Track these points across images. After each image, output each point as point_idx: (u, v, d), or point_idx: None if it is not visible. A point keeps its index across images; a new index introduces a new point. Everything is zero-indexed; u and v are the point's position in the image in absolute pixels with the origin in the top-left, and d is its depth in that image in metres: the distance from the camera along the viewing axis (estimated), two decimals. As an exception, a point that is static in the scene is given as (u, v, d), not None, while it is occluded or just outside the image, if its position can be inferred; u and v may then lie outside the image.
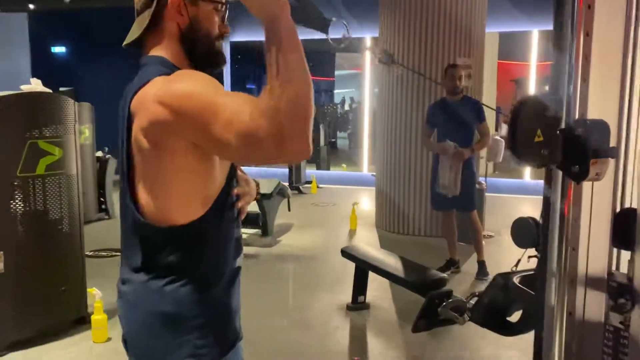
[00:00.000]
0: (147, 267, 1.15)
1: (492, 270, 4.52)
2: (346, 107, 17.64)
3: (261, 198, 5.49)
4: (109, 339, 3.28)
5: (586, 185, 1.51)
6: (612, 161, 1.43)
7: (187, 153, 1.08)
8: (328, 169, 11.03)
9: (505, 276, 2.41)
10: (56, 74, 10.37)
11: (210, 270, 1.17)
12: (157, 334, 1.14)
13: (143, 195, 1.13)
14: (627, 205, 1.59)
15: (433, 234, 5.85)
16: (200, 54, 1.19)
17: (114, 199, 7.31)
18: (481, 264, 4.58)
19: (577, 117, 1.41)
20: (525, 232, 2.36)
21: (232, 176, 1.18)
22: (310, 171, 9.78)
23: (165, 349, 1.13)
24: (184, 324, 1.13)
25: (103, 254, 5.07)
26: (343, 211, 7.33)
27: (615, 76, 1.47)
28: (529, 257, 2.38)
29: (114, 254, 5.33)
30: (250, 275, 4.62)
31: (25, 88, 3.24)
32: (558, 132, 1.39)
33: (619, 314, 1.60)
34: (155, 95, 1.05)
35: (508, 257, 5.34)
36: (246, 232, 5.89)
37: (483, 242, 4.68)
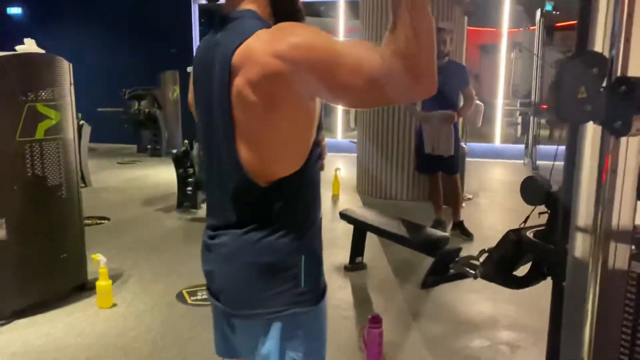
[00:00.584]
0: (245, 221, 1.17)
1: (474, 231, 4.70)
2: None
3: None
4: (114, 305, 3.28)
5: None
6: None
7: (299, 105, 1.10)
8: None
9: (517, 232, 2.53)
10: (11, 36, 9.90)
11: (305, 219, 1.21)
12: (257, 284, 1.17)
13: (244, 151, 1.13)
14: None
15: (415, 198, 6.00)
16: (286, 9, 1.20)
17: (90, 167, 7.15)
18: (460, 225, 4.74)
19: (619, 74, 1.48)
20: (535, 191, 2.48)
21: (320, 127, 1.20)
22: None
23: (267, 297, 1.17)
24: (283, 272, 1.17)
25: (88, 222, 4.99)
26: (323, 177, 7.40)
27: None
28: (540, 213, 2.51)
29: (99, 221, 5.27)
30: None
31: (19, 49, 3.11)
32: (601, 89, 1.47)
33: None
34: (269, 49, 1.05)
35: (486, 218, 5.56)
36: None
37: (463, 203, 4.83)
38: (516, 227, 3.58)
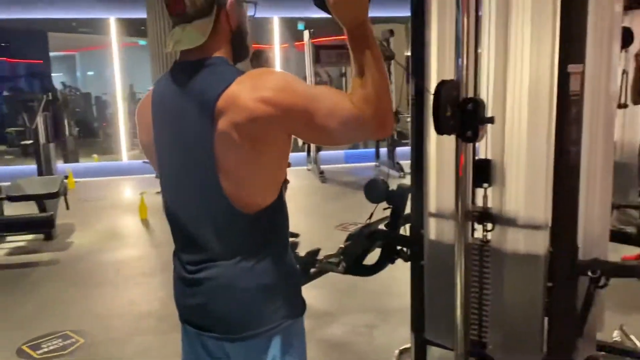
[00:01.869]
0: (234, 251, 1.27)
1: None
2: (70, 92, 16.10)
3: (46, 198, 5.02)
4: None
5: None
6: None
7: (280, 143, 1.24)
8: (77, 161, 10.23)
9: (368, 227, 2.96)
10: None
11: (284, 242, 1.35)
12: (258, 306, 1.28)
13: (229, 185, 1.23)
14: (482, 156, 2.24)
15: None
16: (242, 51, 1.33)
17: None
18: None
19: (466, 96, 1.94)
20: (378, 190, 2.95)
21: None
22: (60, 165, 8.98)
23: (267, 315, 1.29)
24: (278, 290, 1.30)
25: None
26: (119, 203, 7.10)
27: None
28: (384, 208, 2.98)
29: None
30: (64, 282, 4.32)
31: None
32: (456, 107, 1.92)
33: (484, 231, 2.24)
34: (254, 95, 1.17)
35: (300, 221, 5.96)
36: (22, 239, 5.30)
37: None
38: (326, 226, 3.93)
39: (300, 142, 11.66)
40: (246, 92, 1.19)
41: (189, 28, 1.27)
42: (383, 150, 8.97)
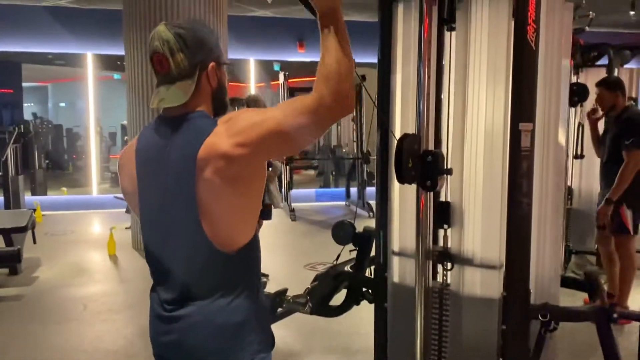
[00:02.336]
0: (210, 289, 1.36)
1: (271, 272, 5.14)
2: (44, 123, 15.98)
3: (13, 232, 4.99)
4: None
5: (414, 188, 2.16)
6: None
7: (257, 177, 1.36)
8: (46, 194, 10.10)
9: (334, 268, 3.05)
10: None
11: (258, 277, 1.45)
12: (232, 342, 1.36)
13: (209, 227, 1.33)
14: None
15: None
16: (221, 107, 1.46)
17: None
18: None
19: (426, 148, 2.09)
20: (344, 233, 3.06)
21: None
22: (27, 197, 8.86)
23: (240, 350, 1.37)
24: (248, 327, 1.39)
25: None
26: (87, 238, 7.04)
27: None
28: (350, 250, 3.08)
29: None
30: (28, 317, 4.26)
31: None
32: (417, 159, 2.06)
33: (444, 271, 2.33)
34: (229, 142, 1.29)
35: (276, 258, 5.99)
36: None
37: None
38: (296, 264, 3.99)
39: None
40: (223, 140, 1.31)
41: (173, 88, 1.39)
42: (354, 190, 9.13)
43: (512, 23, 2.09)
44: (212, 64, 1.42)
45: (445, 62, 2.32)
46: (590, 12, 3.92)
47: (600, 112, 4.22)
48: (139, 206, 1.47)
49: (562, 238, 2.42)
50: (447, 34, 2.29)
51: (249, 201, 1.39)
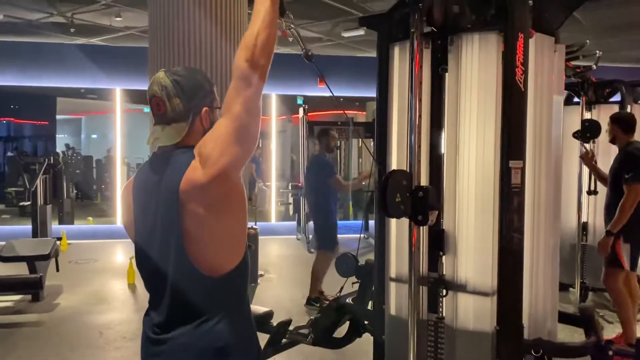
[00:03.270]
0: (196, 314, 1.44)
1: (275, 304, 5.20)
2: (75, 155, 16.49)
3: (37, 260, 5.17)
4: None
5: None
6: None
7: (240, 200, 1.46)
8: (73, 223, 10.39)
9: (337, 300, 3.10)
10: None
11: (245, 302, 1.54)
12: None
13: (196, 253, 1.43)
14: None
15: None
16: None
17: None
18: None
19: (418, 184, 2.16)
20: (348, 265, 3.12)
21: None
22: (55, 226, 9.13)
23: None
24: (234, 350, 1.46)
25: None
26: (109, 266, 7.20)
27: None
28: (353, 283, 3.14)
29: None
30: (46, 343, 4.38)
31: None
32: (408, 194, 2.13)
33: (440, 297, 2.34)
34: (201, 171, 1.40)
35: (284, 291, 6.11)
36: (9, 299, 5.39)
37: None
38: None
39: (291, 210, 11.90)
40: (198, 172, 1.42)
41: (168, 128, 1.52)
42: (372, 223, 9.14)
43: (501, 65, 2.17)
44: (205, 108, 1.54)
45: (441, 101, 2.40)
46: (597, 51, 3.98)
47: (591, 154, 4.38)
48: (134, 236, 1.59)
49: (558, 274, 2.43)
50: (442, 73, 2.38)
51: (234, 224, 1.47)
